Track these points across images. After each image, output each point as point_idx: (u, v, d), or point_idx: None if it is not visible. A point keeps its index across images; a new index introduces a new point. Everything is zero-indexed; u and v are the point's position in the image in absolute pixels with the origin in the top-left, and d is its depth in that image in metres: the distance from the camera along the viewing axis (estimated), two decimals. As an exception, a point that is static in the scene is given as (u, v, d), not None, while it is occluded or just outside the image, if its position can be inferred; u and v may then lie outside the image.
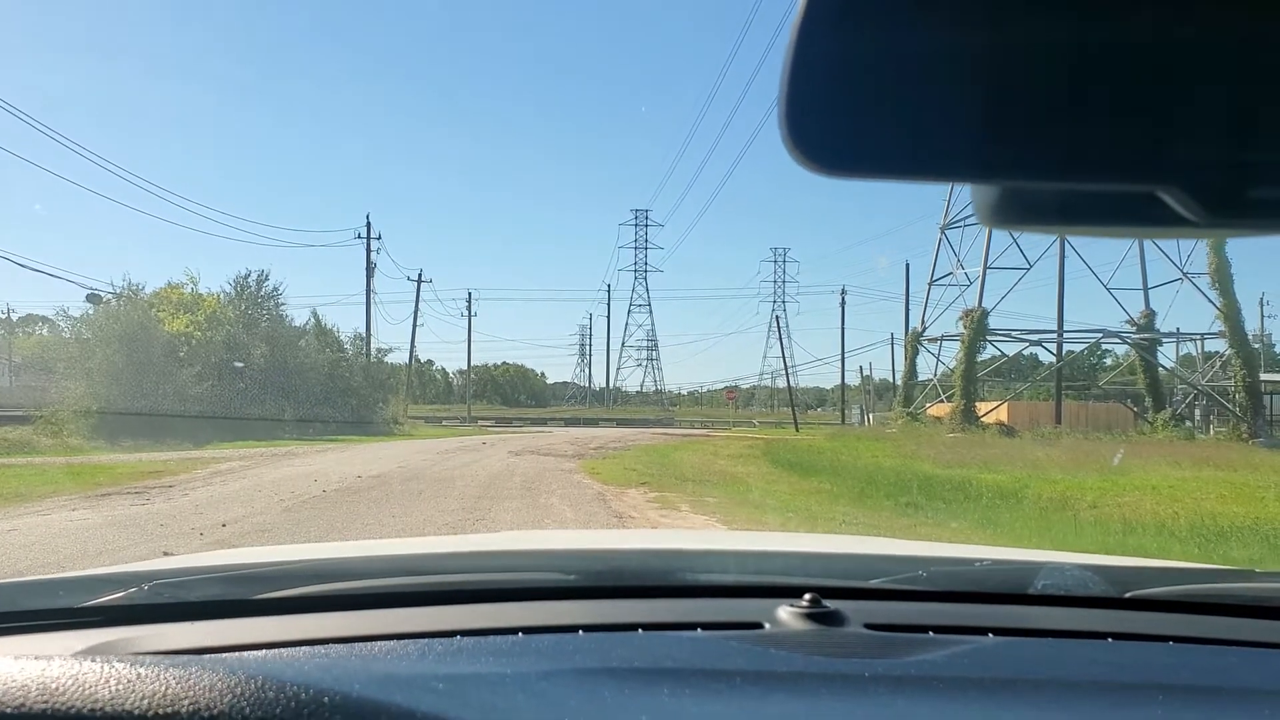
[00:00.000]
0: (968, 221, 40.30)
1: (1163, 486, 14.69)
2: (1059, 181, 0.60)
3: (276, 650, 1.25)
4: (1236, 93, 0.55)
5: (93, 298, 33.04)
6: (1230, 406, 37.29)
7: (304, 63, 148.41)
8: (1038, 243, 40.51)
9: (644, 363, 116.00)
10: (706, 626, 1.38)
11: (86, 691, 0.78)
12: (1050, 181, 0.60)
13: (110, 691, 0.78)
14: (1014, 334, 40.82)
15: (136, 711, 0.76)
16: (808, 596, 1.41)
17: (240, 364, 34.72)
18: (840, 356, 71.72)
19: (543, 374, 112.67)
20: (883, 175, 0.60)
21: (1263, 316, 63.56)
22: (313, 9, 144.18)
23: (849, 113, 0.58)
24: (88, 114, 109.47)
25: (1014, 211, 0.64)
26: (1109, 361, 55.91)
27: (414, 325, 59.07)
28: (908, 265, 65.25)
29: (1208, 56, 0.55)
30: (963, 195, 39.50)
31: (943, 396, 40.83)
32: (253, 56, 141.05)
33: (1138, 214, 0.61)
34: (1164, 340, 40.66)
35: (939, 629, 1.39)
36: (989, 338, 38.98)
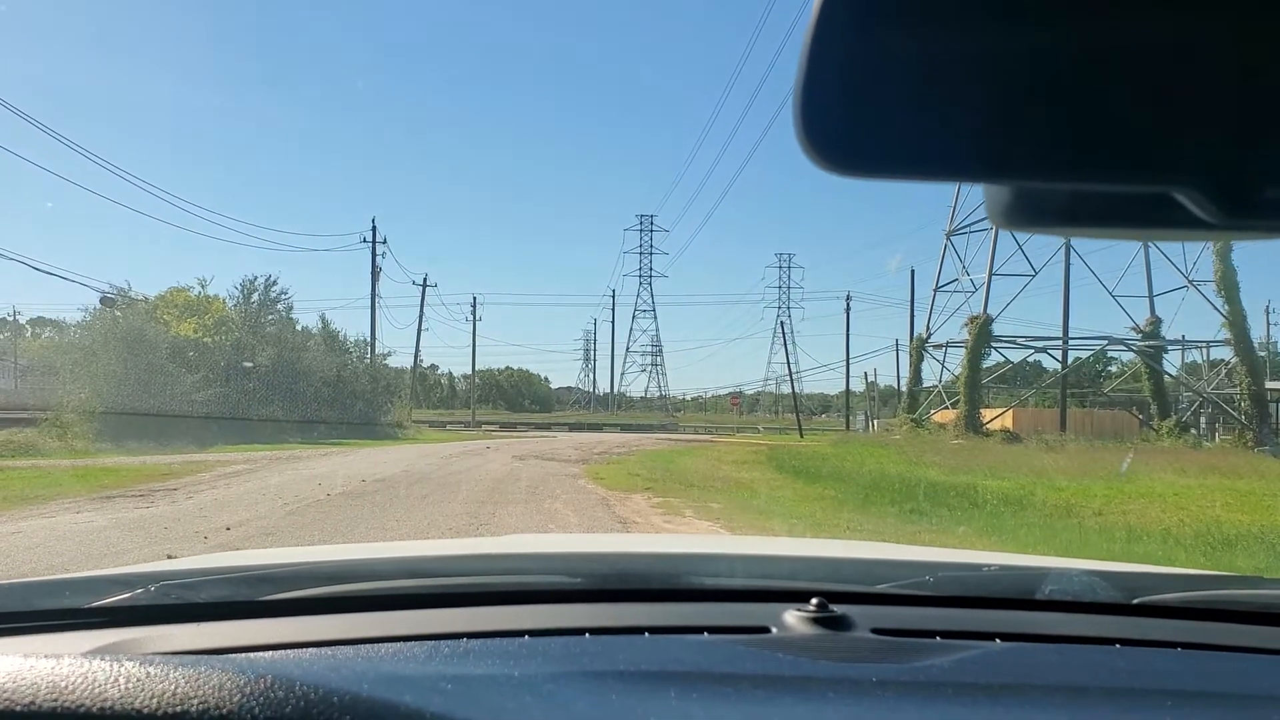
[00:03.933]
0: (974, 228, 40.35)
1: (1168, 494, 14.66)
2: (1072, 182, 0.60)
3: (283, 651, 1.25)
4: (1250, 92, 0.55)
5: (106, 301, 33.14)
6: (1236, 414, 37.21)
7: (310, 68, 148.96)
8: (1043, 249, 40.55)
9: (648, 368, 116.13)
10: (713, 630, 1.38)
11: (96, 690, 0.78)
12: (1064, 182, 0.60)
13: (120, 690, 0.78)
14: (1019, 340, 40.80)
15: (146, 710, 0.76)
16: (815, 601, 1.40)
17: (250, 364, 34.81)
18: (845, 362, 71.84)
19: (547, 379, 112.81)
20: (896, 175, 0.60)
21: (1268, 324, 63.61)
22: (320, 15, 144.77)
23: (862, 113, 0.58)
24: (95, 117, 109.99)
25: (1027, 213, 0.64)
26: (1114, 368, 55.81)
27: (419, 330, 59.35)
28: (913, 271, 65.29)
29: (1221, 56, 0.55)
30: (969, 201, 39.55)
31: (947, 403, 40.79)
32: (259, 60, 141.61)
33: (1151, 215, 0.61)
34: (1169, 347, 40.61)
35: (946, 634, 1.39)
36: (994, 344, 38.96)
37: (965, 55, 0.56)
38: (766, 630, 1.37)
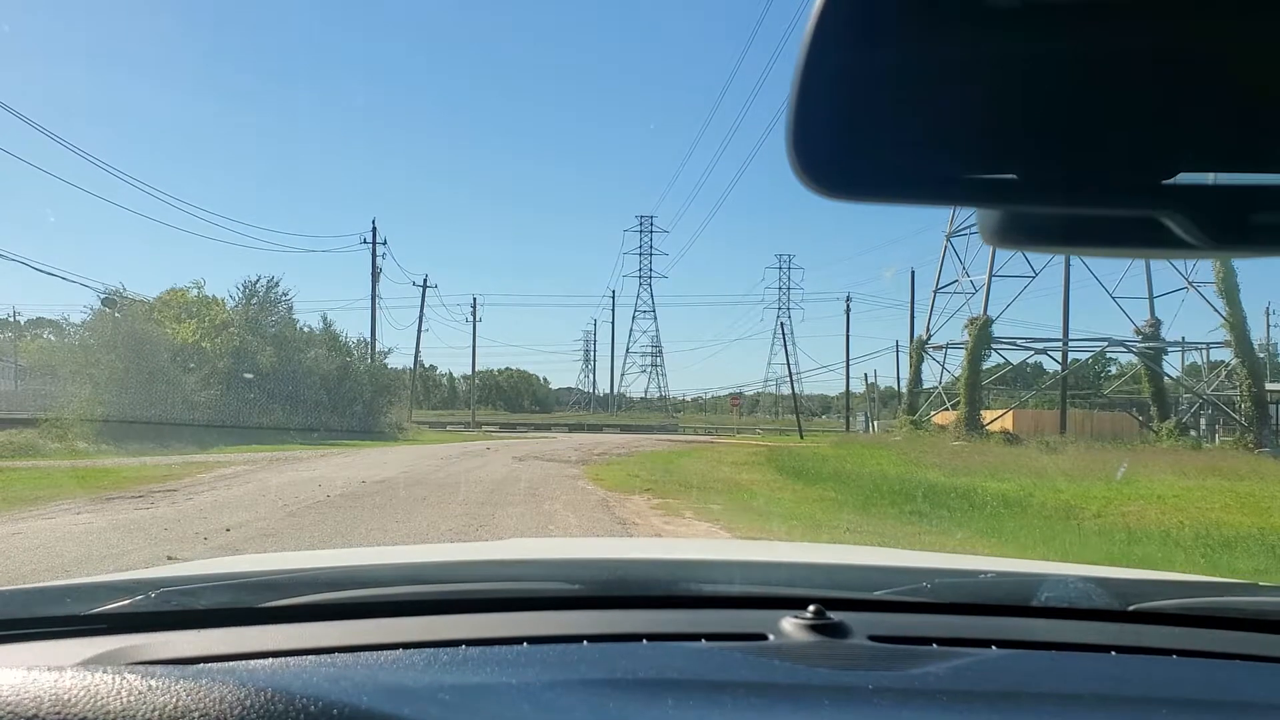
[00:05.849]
0: (973, 230, 40.20)
1: (1168, 496, 14.66)
2: (1062, 206, 0.61)
3: (283, 659, 1.25)
4: (1237, 120, 0.56)
5: (107, 301, 33.11)
6: (1236, 416, 37.20)
7: (310, 69, 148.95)
8: (1043, 251, 40.44)
9: (648, 369, 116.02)
10: (711, 637, 1.38)
11: (99, 703, 0.78)
12: (1054, 206, 0.61)
13: (122, 703, 0.78)
14: (1019, 342, 40.81)
15: None
16: (812, 608, 1.41)
17: (250, 375, 34.82)
18: (845, 363, 71.80)
19: (546, 380, 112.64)
20: (888, 199, 0.61)
21: (1269, 326, 63.51)
22: (318, 17, 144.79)
23: (855, 139, 0.59)
24: (96, 121, 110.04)
25: (1018, 233, 0.64)
26: (1114, 370, 55.79)
27: (419, 330, 59.35)
28: (913, 273, 65.06)
29: (1209, 86, 0.55)
30: (968, 203, 39.44)
31: (947, 404, 40.80)
32: (259, 63, 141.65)
33: (1140, 236, 0.62)
34: (1169, 349, 40.60)
35: (943, 641, 1.39)
36: (994, 345, 38.99)
37: (956, 82, 0.57)
38: (763, 637, 1.38)
